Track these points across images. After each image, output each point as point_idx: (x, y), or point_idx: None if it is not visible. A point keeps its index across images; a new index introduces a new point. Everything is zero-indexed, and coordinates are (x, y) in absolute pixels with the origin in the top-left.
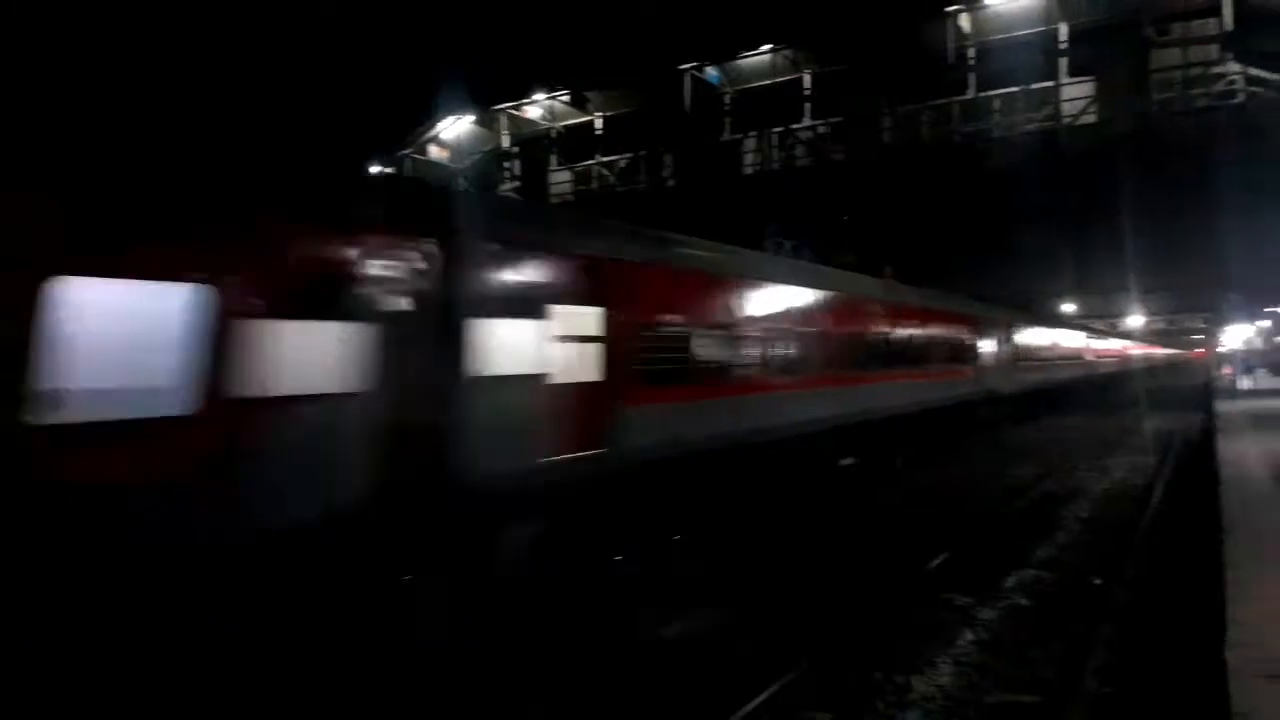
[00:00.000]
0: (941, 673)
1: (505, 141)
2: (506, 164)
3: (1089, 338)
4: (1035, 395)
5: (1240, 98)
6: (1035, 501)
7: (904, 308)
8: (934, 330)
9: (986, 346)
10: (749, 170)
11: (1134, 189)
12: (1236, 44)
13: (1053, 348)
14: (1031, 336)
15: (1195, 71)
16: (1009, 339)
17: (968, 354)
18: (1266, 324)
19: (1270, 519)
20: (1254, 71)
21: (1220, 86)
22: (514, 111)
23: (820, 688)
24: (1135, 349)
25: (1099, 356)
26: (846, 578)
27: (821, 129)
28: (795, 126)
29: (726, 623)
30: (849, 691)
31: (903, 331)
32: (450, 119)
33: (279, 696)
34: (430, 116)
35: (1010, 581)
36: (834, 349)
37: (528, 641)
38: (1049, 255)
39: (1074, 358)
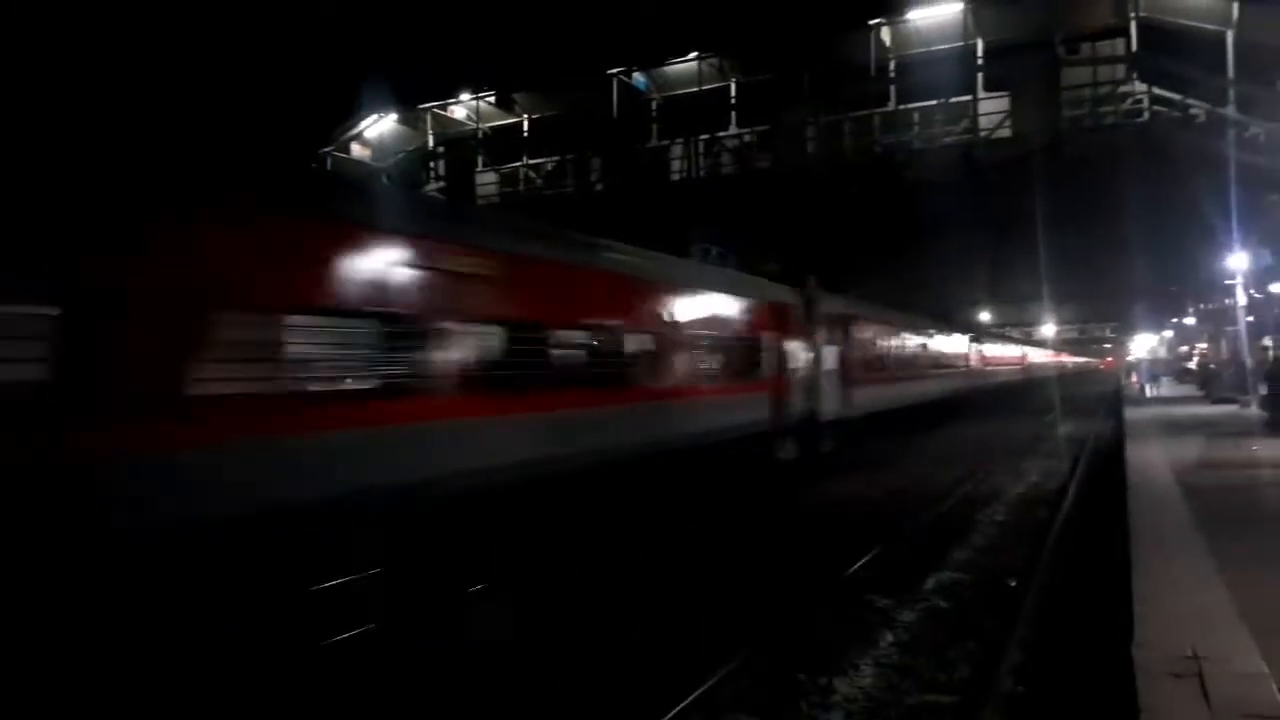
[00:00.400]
0: (864, 674)
1: (430, 141)
2: (432, 164)
3: (976, 341)
4: (892, 416)
5: (1145, 116)
6: (951, 507)
7: (591, 275)
8: (671, 322)
9: (802, 351)
10: (676, 177)
11: (1047, 202)
12: (1142, 64)
13: (923, 353)
14: (889, 338)
15: (1104, 90)
16: (848, 340)
17: (758, 362)
18: (1170, 334)
19: (1175, 522)
20: (1158, 91)
21: (1127, 105)
22: (439, 111)
23: (744, 691)
24: (1041, 356)
25: (989, 365)
26: (770, 584)
27: (747, 137)
28: (721, 134)
29: (652, 627)
30: (773, 694)
31: (584, 316)
32: (373, 117)
33: None
34: (353, 114)
35: (929, 584)
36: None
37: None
38: (966, 264)
39: (955, 366)
